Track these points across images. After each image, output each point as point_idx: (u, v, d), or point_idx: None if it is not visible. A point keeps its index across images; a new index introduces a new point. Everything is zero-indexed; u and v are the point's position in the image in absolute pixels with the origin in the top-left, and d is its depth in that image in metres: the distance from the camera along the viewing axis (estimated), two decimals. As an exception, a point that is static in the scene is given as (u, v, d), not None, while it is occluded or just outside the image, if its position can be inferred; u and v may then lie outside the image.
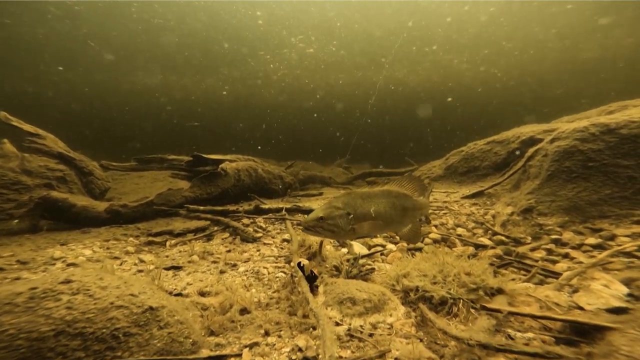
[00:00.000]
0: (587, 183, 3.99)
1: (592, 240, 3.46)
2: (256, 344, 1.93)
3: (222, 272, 3.18)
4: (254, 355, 1.83)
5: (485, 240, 3.89)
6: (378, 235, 4.08)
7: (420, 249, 3.59)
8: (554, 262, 3.20)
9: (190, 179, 7.02)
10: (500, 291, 2.37)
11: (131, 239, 4.42)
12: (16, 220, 4.63)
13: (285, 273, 3.11)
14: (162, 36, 22.04)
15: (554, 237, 3.68)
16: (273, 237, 4.37)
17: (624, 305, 2.08)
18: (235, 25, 21.41)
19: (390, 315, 2.21)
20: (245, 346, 1.90)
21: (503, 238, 3.89)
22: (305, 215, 5.00)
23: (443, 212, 5.06)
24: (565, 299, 2.31)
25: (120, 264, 3.47)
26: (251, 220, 5.00)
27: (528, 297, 2.34)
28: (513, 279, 2.82)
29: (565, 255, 3.31)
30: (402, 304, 2.36)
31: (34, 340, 1.31)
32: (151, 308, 1.74)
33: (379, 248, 3.74)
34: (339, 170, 13.22)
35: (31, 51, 23.28)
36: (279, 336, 2.01)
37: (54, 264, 3.40)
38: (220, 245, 4.12)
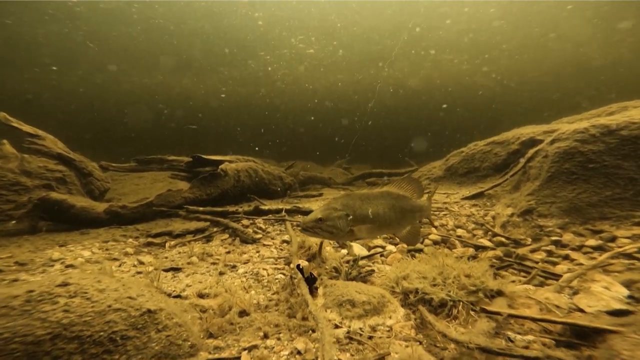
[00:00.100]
0: (588, 184, 3.98)
1: (592, 241, 3.45)
2: (255, 346, 1.92)
3: (221, 273, 3.17)
4: (253, 358, 1.82)
5: (485, 242, 3.88)
6: (378, 237, 4.07)
7: (420, 250, 3.58)
8: (554, 263, 3.19)
9: (190, 179, 7.03)
10: (500, 293, 2.36)
11: (130, 240, 4.41)
12: (13, 222, 4.62)
13: (284, 274, 3.10)
14: (162, 36, 22.07)
15: (554, 238, 3.67)
16: (273, 239, 4.36)
17: (624, 307, 2.07)
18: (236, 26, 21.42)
19: (390, 318, 2.20)
20: (244, 349, 1.89)
21: (503, 239, 3.88)
22: (305, 216, 4.99)
23: (443, 213, 5.05)
24: (565, 301, 2.29)
25: (119, 266, 3.46)
26: (251, 221, 4.99)
27: (528, 299, 2.33)
28: (513, 281, 2.82)
29: (566, 257, 3.30)
30: (402, 306, 2.35)
31: (30, 344, 1.30)
32: (149, 311, 1.73)
33: (379, 249, 3.73)
34: (339, 170, 13.22)
35: (31, 51, 23.31)
36: (278, 339, 2.00)
37: (52, 266, 3.39)
38: (219, 246, 4.11)
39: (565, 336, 1.91)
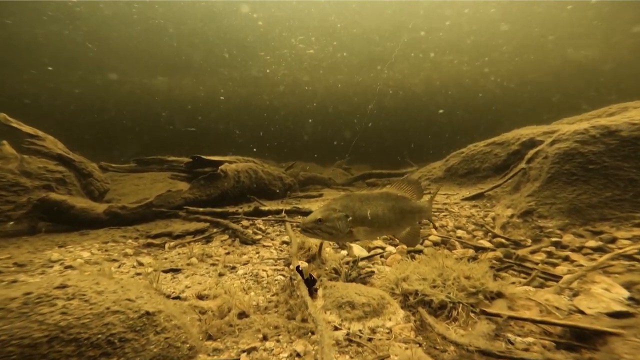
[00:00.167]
0: (588, 185, 3.97)
1: (592, 243, 3.44)
2: (254, 348, 1.91)
3: (220, 274, 3.16)
4: (252, 360, 1.81)
5: (485, 243, 3.87)
6: (378, 238, 4.06)
7: (420, 252, 3.57)
8: (554, 265, 3.18)
9: (189, 180, 7.02)
10: (500, 295, 2.35)
11: (130, 241, 4.40)
12: (12, 222, 4.61)
13: (284, 276, 3.09)
14: (162, 37, 22.08)
15: (554, 239, 3.66)
16: (272, 239, 4.35)
17: (624, 309, 2.06)
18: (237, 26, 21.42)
19: (390, 320, 2.19)
20: (243, 351, 1.89)
21: (503, 240, 3.87)
22: (305, 217, 4.98)
23: (443, 214, 5.04)
24: (565, 303, 2.28)
25: (119, 267, 3.45)
26: (250, 222, 4.98)
27: (528, 301, 2.32)
28: (513, 283, 2.81)
29: (566, 258, 3.29)
30: (402, 307, 2.34)
31: (27, 347, 1.30)
32: (148, 313, 1.72)
33: (379, 250, 3.72)
34: (339, 171, 13.21)
35: (31, 52, 23.31)
36: (277, 341, 1.99)
37: (51, 267, 3.38)
38: (219, 247, 4.10)
39: (566, 338, 1.90)
